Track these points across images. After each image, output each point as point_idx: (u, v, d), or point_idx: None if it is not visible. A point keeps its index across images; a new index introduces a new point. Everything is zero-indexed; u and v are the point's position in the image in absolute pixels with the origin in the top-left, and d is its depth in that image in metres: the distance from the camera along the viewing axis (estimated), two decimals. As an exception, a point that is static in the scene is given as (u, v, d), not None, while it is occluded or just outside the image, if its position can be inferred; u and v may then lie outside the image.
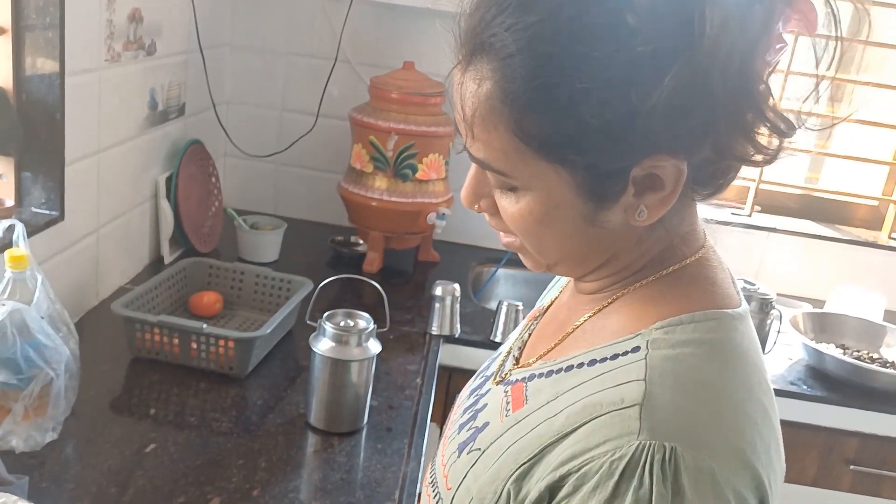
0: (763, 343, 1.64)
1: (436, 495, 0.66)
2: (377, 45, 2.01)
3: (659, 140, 0.53)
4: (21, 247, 1.04)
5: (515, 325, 1.57)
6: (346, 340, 1.19)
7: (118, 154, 1.53)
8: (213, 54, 1.89)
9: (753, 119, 0.54)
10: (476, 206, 0.64)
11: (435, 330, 1.58)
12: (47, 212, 1.32)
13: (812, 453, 1.62)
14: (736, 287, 0.64)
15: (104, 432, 1.15)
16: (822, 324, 1.84)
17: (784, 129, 0.55)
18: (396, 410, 1.31)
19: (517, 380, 0.65)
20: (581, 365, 0.59)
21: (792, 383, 1.62)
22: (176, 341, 1.31)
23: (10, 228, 1.06)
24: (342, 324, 1.20)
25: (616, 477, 0.50)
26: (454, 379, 1.58)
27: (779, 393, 1.56)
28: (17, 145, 1.28)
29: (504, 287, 2.05)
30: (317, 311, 1.32)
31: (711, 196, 0.60)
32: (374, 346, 1.22)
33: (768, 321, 1.64)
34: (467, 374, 1.60)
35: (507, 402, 0.63)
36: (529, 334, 0.74)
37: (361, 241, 1.96)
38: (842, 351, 1.76)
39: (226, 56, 2.04)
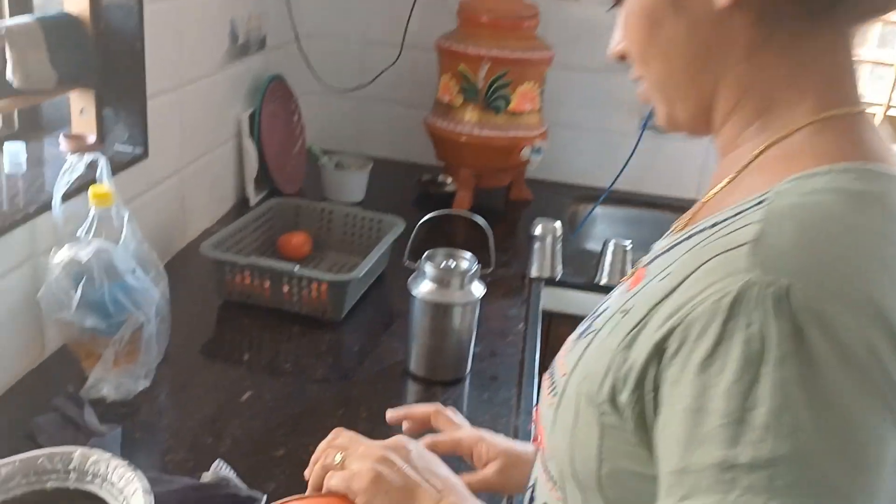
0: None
1: (552, 386, 0.59)
2: (464, -32, 1.87)
3: None
4: (105, 182, 0.97)
5: (623, 267, 1.45)
6: (448, 282, 1.10)
7: (200, 89, 1.45)
8: (291, -17, 1.79)
9: None
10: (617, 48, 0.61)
11: (534, 272, 1.47)
12: (130, 149, 1.25)
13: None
14: None
15: (197, 379, 1.09)
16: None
17: None
18: (500, 358, 1.22)
19: (640, 266, 0.58)
20: (702, 230, 0.51)
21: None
22: (267, 284, 1.24)
23: (93, 164, 0.99)
24: (443, 265, 1.11)
25: (721, 318, 0.42)
26: (555, 325, 1.48)
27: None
28: (96, 77, 1.21)
29: (601, 227, 1.91)
30: (410, 252, 1.23)
31: (850, 19, 0.51)
32: (478, 289, 1.12)
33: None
34: (570, 319, 1.49)
35: (627, 287, 0.57)
36: None
37: (450, 180, 1.86)
38: None
39: (304, -14, 1.93)
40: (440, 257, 1.12)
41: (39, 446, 0.90)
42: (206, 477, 0.87)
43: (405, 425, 0.84)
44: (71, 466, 0.63)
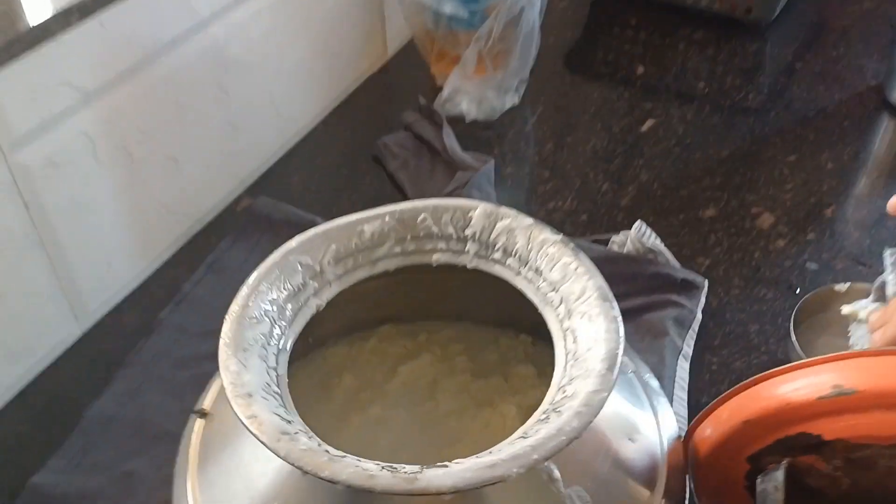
0: None
1: None
2: None
3: None
4: None
5: None
6: None
7: None
8: None
9: None
10: None
11: None
12: None
13: None
14: None
15: (575, 98, 0.79)
16: None
17: None
18: None
19: None
20: None
21: None
22: (665, -34, 0.87)
23: None
24: None
25: None
26: None
27: None
28: None
29: None
30: None
31: None
32: None
33: None
34: None
35: None
36: None
37: None
38: None
39: None
40: None
41: (389, 174, 0.68)
42: (620, 242, 0.59)
43: None
44: (468, 232, 0.38)
